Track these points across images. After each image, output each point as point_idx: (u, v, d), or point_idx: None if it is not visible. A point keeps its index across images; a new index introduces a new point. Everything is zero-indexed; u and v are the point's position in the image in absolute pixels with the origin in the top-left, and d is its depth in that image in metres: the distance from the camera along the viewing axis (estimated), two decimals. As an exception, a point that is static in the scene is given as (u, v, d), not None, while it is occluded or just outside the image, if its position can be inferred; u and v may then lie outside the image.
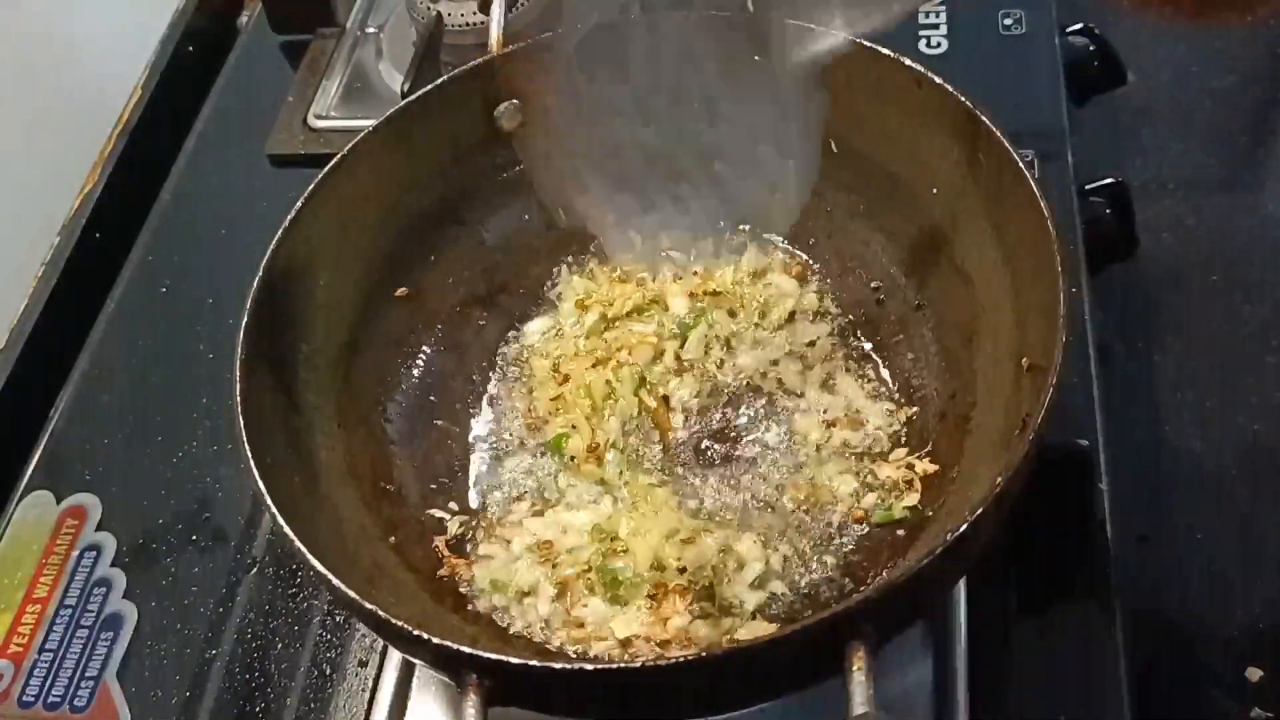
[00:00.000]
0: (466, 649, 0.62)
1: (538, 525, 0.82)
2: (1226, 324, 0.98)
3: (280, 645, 0.85)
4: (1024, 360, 0.74)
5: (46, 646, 0.86)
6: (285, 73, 1.22)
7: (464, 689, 0.62)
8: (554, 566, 0.80)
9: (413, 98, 0.88)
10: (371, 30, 1.24)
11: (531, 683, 0.64)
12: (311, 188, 0.83)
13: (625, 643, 0.75)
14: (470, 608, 0.79)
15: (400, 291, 0.90)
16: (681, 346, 0.89)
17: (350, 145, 0.85)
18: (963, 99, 0.78)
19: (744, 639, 0.73)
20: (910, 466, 0.81)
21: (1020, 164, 0.75)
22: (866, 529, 0.80)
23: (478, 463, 0.87)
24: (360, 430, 0.85)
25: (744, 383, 0.87)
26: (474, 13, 1.12)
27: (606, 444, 0.85)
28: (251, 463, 0.71)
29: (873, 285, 0.90)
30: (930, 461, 0.81)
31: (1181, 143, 1.10)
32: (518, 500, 0.85)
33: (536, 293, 0.95)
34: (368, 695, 0.81)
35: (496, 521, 0.84)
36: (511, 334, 0.93)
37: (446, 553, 0.82)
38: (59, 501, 0.94)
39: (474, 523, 0.84)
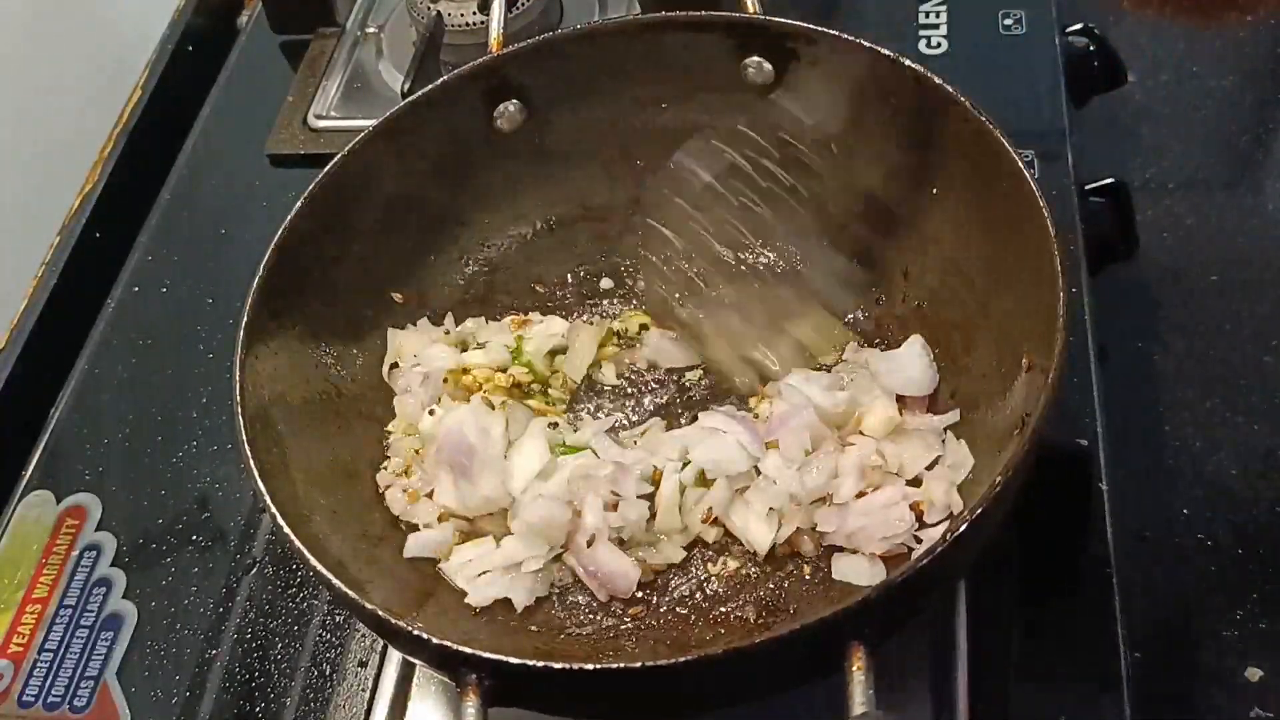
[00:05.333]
0: (466, 649, 0.62)
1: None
2: (1226, 324, 0.98)
3: (280, 645, 0.85)
4: (1024, 360, 0.74)
5: (46, 646, 0.86)
6: (285, 73, 1.22)
7: (464, 689, 0.62)
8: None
9: (413, 98, 0.88)
10: (371, 30, 1.24)
11: (531, 683, 0.64)
12: (311, 188, 0.83)
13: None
14: (469, 606, 0.79)
15: (397, 297, 0.90)
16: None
17: (350, 145, 0.85)
18: (963, 99, 0.78)
19: (744, 639, 0.73)
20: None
21: (1020, 164, 0.75)
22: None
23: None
24: (360, 429, 0.85)
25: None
26: (474, 13, 1.12)
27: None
28: (251, 463, 0.71)
29: (873, 285, 0.90)
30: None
31: (1181, 143, 1.10)
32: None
33: (536, 293, 0.95)
34: (368, 695, 0.81)
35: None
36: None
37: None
38: (59, 501, 0.94)
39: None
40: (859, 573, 0.75)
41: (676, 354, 0.90)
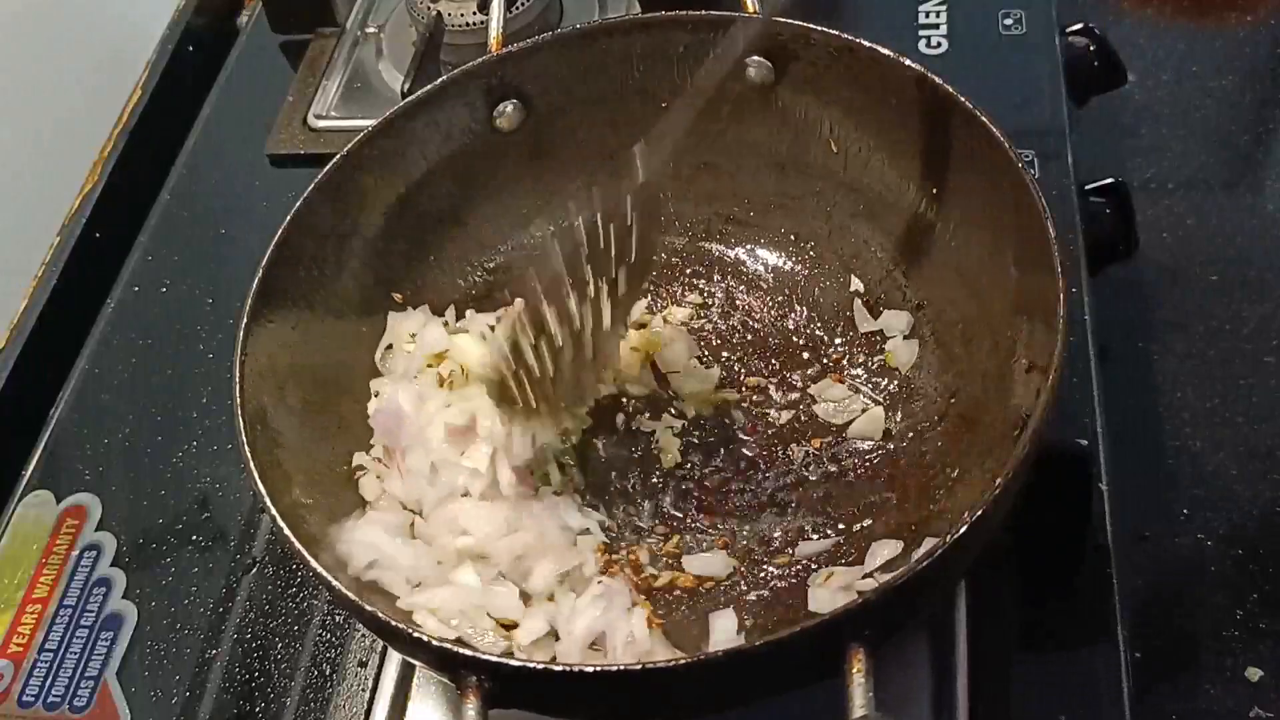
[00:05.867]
0: (466, 651, 0.63)
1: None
2: (1226, 324, 0.98)
3: (280, 645, 0.85)
4: (1024, 360, 0.74)
5: (46, 646, 0.86)
6: (285, 73, 1.22)
7: (464, 690, 0.62)
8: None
9: (413, 98, 0.88)
10: (371, 30, 1.24)
11: (531, 684, 0.64)
12: (311, 187, 0.83)
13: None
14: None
15: (397, 296, 0.90)
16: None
17: (350, 145, 0.85)
18: (962, 99, 0.78)
19: (744, 642, 0.73)
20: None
21: (1020, 164, 0.75)
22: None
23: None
24: (360, 430, 0.85)
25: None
26: (474, 13, 1.12)
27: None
28: (251, 463, 0.71)
29: (873, 285, 0.90)
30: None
31: (1181, 143, 1.10)
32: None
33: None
34: (368, 695, 0.81)
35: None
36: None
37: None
38: (59, 501, 0.94)
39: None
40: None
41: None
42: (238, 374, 0.74)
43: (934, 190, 0.84)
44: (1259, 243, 1.02)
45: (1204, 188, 1.07)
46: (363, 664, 0.83)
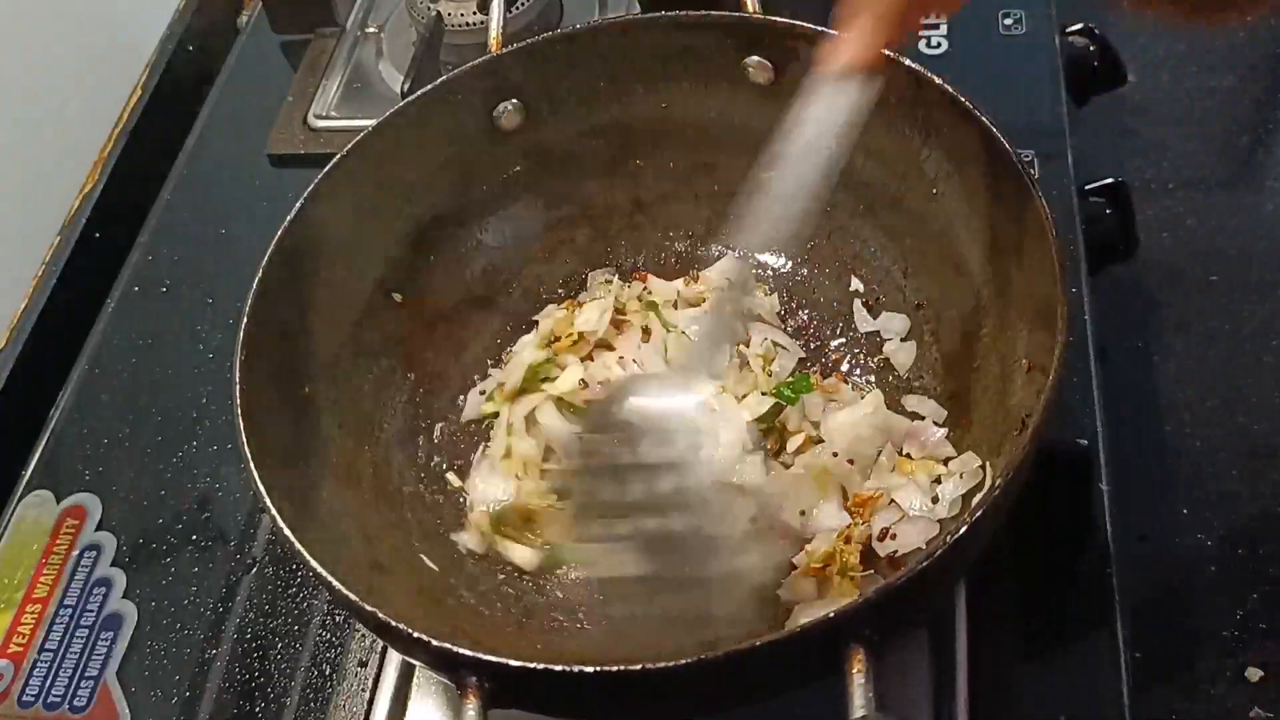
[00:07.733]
0: (467, 651, 0.62)
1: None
2: (1226, 324, 0.98)
3: (280, 645, 0.85)
4: (1024, 360, 0.74)
5: (46, 646, 0.86)
6: (285, 73, 1.22)
7: (464, 691, 0.62)
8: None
9: (412, 97, 0.88)
10: (371, 30, 1.24)
11: (532, 685, 0.64)
12: (311, 188, 0.83)
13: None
14: (471, 608, 0.79)
15: (396, 298, 0.90)
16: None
17: (350, 145, 0.85)
18: (962, 99, 0.78)
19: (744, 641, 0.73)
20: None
21: (1020, 164, 0.75)
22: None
23: (478, 463, 0.88)
24: (361, 430, 0.85)
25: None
26: (474, 13, 1.13)
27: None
28: (251, 463, 0.71)
29: (873, 285, 0.90)
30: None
31: (1181, 143, 1.10)
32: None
33: (536, 294, 0.95)
34: (368, 695, 0.81)
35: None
36: (510, 332, 0.94)
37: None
38: (59, 501, 0.94)
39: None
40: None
41: None
42: (238, 374, 0.74)
43: (933, 191, 0.84)
44: (1259, 243, 1.02)
45: (1204, 188, 1.07)
46: (363, 664, 0.83)
